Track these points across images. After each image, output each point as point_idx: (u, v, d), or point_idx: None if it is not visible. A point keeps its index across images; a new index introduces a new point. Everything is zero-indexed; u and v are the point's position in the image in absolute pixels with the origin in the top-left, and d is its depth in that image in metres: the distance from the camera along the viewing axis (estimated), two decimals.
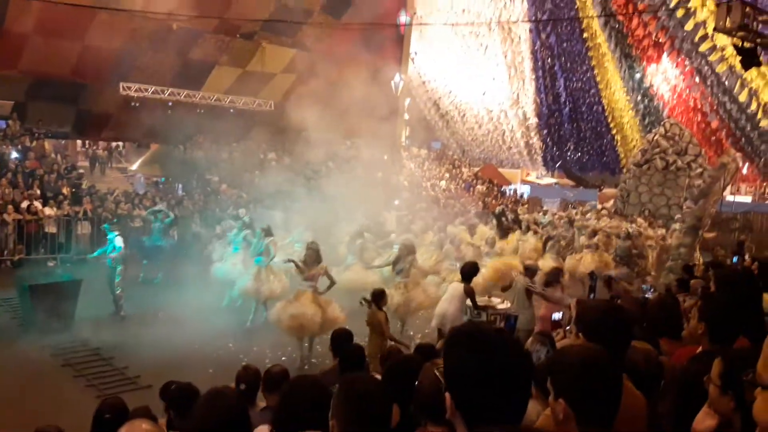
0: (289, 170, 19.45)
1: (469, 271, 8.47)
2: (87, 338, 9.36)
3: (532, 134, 37.03)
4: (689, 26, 25.26)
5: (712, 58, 25.41)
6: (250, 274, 10.82)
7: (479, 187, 30.04)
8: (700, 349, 2.92)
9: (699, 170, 24.40)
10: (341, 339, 4.83)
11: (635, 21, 28.26)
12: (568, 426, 1.72)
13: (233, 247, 12.26)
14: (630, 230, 16.59)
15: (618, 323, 2.31)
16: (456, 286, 8.47)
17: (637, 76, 30.72)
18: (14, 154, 17.57)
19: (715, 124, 28.75)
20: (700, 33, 25.15)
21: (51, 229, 15.24)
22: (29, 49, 18.55)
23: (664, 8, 25.83)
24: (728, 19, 9.35)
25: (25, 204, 15.16)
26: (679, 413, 2.58)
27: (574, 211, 23.22)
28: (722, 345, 2.58)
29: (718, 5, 10.17)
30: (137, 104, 21.14)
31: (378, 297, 7.53)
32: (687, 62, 27.58)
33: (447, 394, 1.59)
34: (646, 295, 8.62)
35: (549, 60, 34.24)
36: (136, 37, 19.97)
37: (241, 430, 2.15)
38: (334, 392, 2.07)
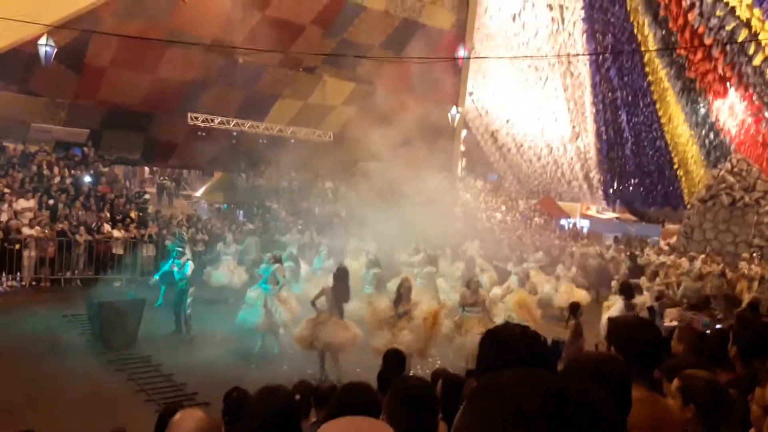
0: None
1: (627, 288, 10.25)
2: (149, 355, 9.76)
3: (593, 168, 36.40)
4: (757, 61, 24.59)
5: None
6: (259, 307, 10.34)
7: (537, 219, 29.66)
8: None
9: None
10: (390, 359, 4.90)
11: (699, 55, 27.66)
12: None
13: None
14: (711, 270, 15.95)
15: (647, 335, 2.34)
16: (618, 301, 10.26)
17: (702, 110, 29.94)
18: (87, 179, 18.54)
19: None
20: None
21: (118, 250, 15.94)
22: (106, 81, 19.63)
23: (730, 43, 25.22)
24: None
25: (95, 226, 15.97)
26: None
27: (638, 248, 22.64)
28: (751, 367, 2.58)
29: None
30: (203, 133, 21.98)
31: (575, 309, 9.35)
32: (755, 97, 26.75)
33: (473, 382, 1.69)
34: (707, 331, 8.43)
35: (610, 94, 33.75)
36: (204, 70, 20.92)
37: (292, 423, 2.23)
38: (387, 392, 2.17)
